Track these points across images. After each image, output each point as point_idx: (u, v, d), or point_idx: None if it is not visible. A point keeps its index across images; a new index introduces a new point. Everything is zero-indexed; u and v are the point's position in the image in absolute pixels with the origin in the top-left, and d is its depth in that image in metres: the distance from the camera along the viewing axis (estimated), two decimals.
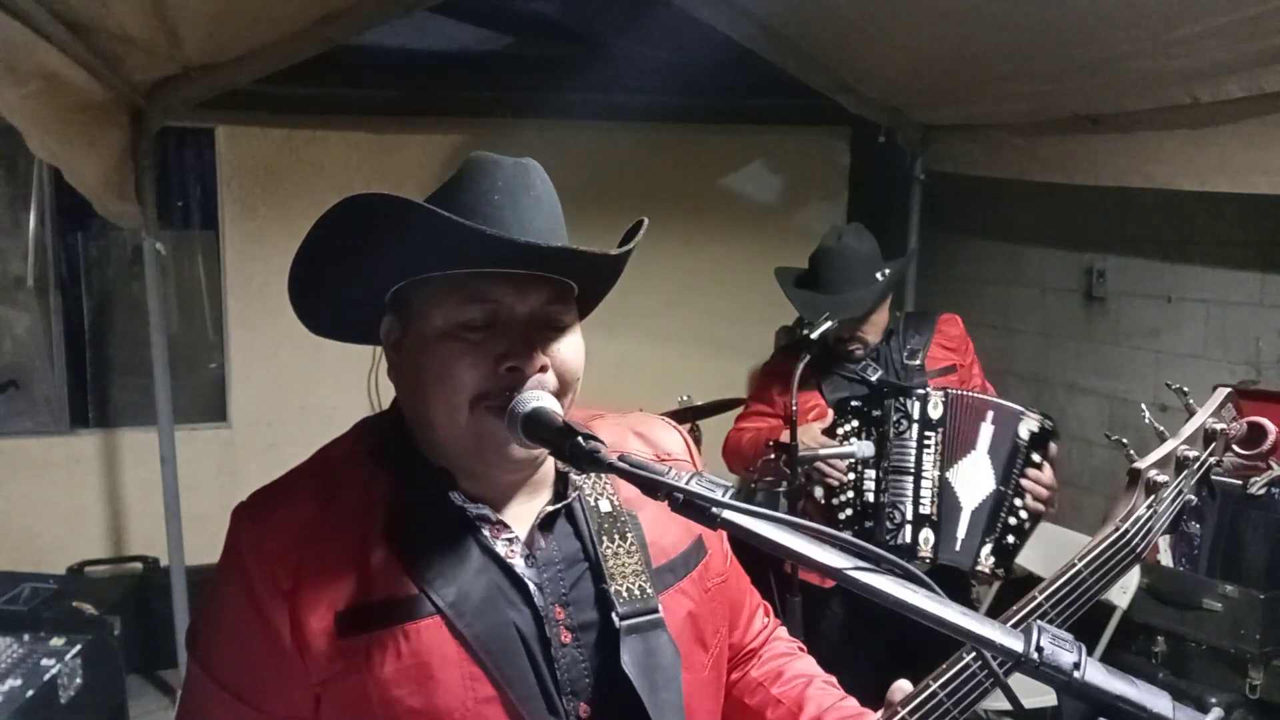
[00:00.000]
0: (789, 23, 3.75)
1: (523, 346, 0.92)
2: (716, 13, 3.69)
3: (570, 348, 0.97)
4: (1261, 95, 2.51)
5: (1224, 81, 2.58)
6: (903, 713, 1.00)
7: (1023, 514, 2.27)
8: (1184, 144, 2.88)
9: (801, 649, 1.26)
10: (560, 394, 0.95)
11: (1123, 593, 2.86)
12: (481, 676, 0.90)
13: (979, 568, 2.26)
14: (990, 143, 3.85)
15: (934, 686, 1.00)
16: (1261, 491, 2.91)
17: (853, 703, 1.13)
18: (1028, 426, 2.30)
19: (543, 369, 0.93)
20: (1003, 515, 2.27)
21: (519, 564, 0.97)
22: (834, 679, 1.19)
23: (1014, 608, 1.03)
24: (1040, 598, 1.03)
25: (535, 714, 0.91)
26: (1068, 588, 1.03)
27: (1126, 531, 1.06)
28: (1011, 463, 2.28)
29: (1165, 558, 3.14)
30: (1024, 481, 2.27)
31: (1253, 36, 2.34)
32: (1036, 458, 2.29)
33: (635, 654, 0.94)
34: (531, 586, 0.96)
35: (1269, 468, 3.24)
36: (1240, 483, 2.88)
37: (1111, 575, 1.04)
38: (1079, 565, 1.04)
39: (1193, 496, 1.11)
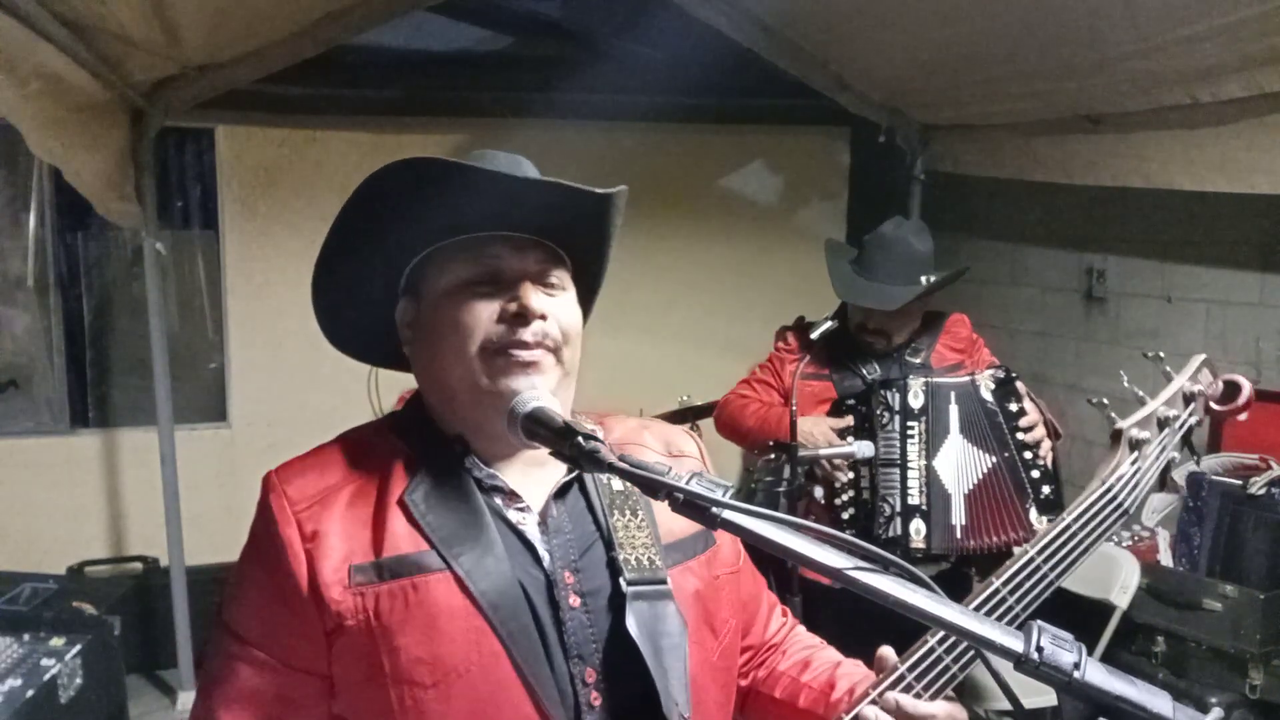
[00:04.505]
0: (789, 23, 3.75)
1: (525, 292, 0.99)
2: (716, 13, 3.69)
3: (567, 308, 1.04)
4: (1261, 95, 2.51)
5: (1224, 81, 2.57)
6: (902, 669, 1.03)
7: (1041, 461, 2.28)
8: (1184, 144, 2.88)
9: (823, 644, 1.27)
10: (563, 344, 1.01)
11: (1123, 593, 2.85)
12: (488, 631, 0.93)
13: (1037, 531, 2.24)
14: (990, 143, 3.85)
15: (932, 642, 1.04)
16: (1261, 491, 2.93)
17: None
18: (986, 386, 2.31)
19: (543, 317, 0.99)
20: (1025, 475, 2.27)
21: (531, 530, 1.00)
22: (860, 663, 1.20)
23: (1007, 564, 1.06)
24: (1032, 552, 1.07)
25: (539, 674, 0.93)
26: (1059, 542, 1.07)
27: (1112, 487, 1.10)
28: (997, 428, 2.29)
29: (1165, 558, 3.14)
30: (1020, 436, 2.27)
31: (1253, 36, 2.34)
32: (1014, 407, 2.29)
33: (641, 618, 0.96)
34: (542, 550, 0.99)
35: (1269, 467, 3.25)
36: (1240, 483, 2.89)
37: (1101, 530, 1.09)
38: (1068, 521, 1.08)
39: (1175, 454, 1.16)
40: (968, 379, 2.34)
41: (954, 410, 2.31)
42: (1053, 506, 2.25)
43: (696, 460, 1.17)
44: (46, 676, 2.47)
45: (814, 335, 2.37)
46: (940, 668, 1.02)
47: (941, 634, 1.03)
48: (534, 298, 0.99)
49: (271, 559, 0.95)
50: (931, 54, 3.43)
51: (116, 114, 2.96)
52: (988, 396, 2.30)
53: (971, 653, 1.03)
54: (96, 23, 2.39)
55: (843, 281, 2.52)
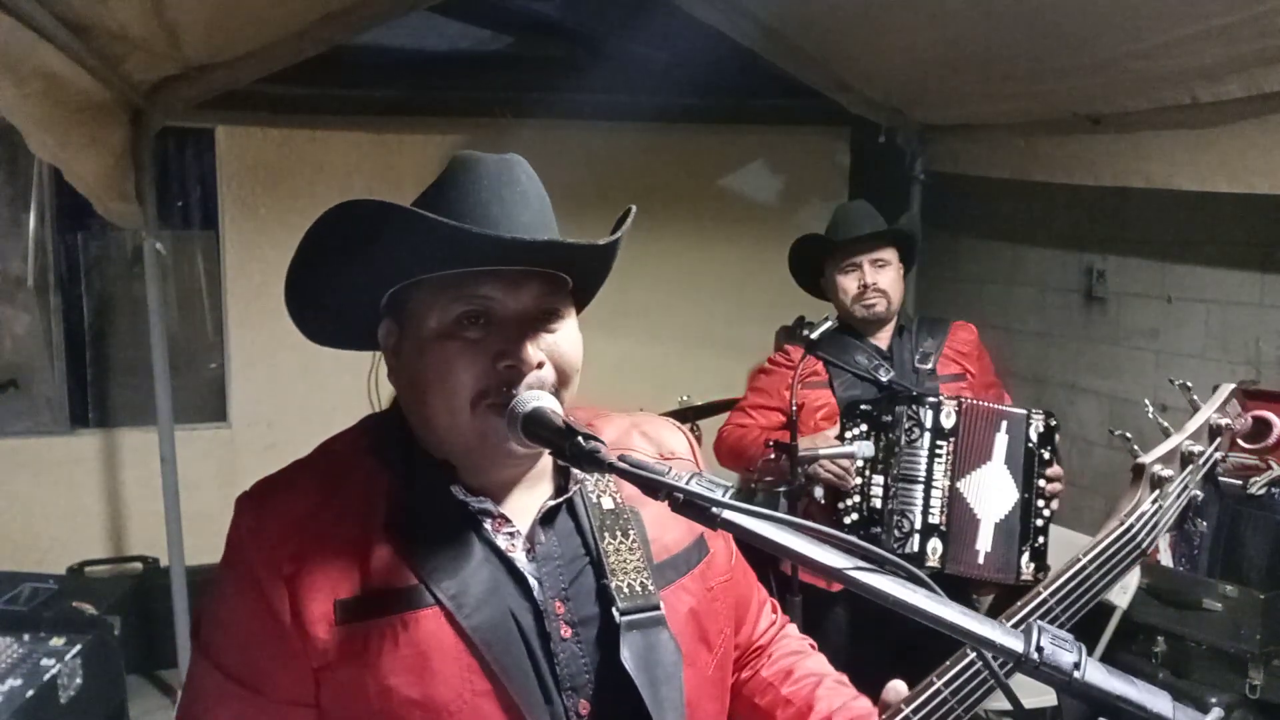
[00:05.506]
0: (789, 23, 3.75)
1: (518, 344, 0.92)
2: (716, 13, 3.69)
3: (566, 340, 0.97)
4: (1261, 95, 2.51)
5: (1224, 81, 2.57)
6: (906, 711, 0.99)
7: (1045, 513, 2.31)
8: (1184, 144, 2.88)
9: (812, 646, 1.25)
10: (560, 387, 0.96)
11: (1123, 593, 2.85)
12: (478, 669, 0.90)
13: (1023, 578, 2.28)
14: (990, 143, 3.85)
15: (938, 684, 1.00)
16: (1261, 491, 2.93)
17: (865, 703, 1.12)
18: (1035, 428, 2.32)
19: (540, 365, 0.93)
20: (1032, 521, 2.30)
21: (520, 558, 0.97)
22: (845, 677, 1.18)
23: (1019, 604, 1.03)
24: (1045, 594, 1.02)
25: (533, 708, 0.90)
26: (1073, 584, 1.02)
27: (1131, 527, 1.05)
28: (1030, 468, 2.31)
29: (1165, 558, 3.13)
30: (1044, 484, 2.30)
31: (1253, 36, 2.34)
32: (1047, 454, 2.32)
33: (635, 649, 0.94)
34: (531, 580, 0.96)
35: (1269, 467, 3.25)
36: (1240, 483, 2.89)
37: (1117, 571, 1.04)
38: (1084, 561, 1.03)
39: (1199, 492, 1.10)
40: (1023, 412, 2.35)
41: (1002, 440, 2.32)
42: (1040, 557, 2.30)
43: (689, 462, 1.13)
44: (46, 676, 2.47)
45: (814, 335, 2.37)
46: (945, 710, 0.98)
47: (948, 677, 0.99)
48: (530, 350, 0.92)
49: (250, 592, 0.91)
50: (931, 54, 3.43)
51: (116, 114, 2.96)
52: (1033, 436, 2.32)
53: (977, 695, 0.99)
54: (96, 23, 2.39)
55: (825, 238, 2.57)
